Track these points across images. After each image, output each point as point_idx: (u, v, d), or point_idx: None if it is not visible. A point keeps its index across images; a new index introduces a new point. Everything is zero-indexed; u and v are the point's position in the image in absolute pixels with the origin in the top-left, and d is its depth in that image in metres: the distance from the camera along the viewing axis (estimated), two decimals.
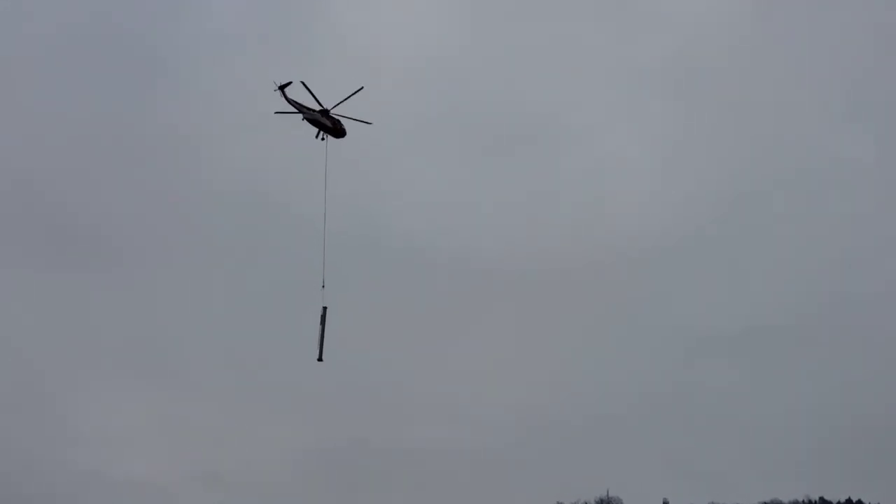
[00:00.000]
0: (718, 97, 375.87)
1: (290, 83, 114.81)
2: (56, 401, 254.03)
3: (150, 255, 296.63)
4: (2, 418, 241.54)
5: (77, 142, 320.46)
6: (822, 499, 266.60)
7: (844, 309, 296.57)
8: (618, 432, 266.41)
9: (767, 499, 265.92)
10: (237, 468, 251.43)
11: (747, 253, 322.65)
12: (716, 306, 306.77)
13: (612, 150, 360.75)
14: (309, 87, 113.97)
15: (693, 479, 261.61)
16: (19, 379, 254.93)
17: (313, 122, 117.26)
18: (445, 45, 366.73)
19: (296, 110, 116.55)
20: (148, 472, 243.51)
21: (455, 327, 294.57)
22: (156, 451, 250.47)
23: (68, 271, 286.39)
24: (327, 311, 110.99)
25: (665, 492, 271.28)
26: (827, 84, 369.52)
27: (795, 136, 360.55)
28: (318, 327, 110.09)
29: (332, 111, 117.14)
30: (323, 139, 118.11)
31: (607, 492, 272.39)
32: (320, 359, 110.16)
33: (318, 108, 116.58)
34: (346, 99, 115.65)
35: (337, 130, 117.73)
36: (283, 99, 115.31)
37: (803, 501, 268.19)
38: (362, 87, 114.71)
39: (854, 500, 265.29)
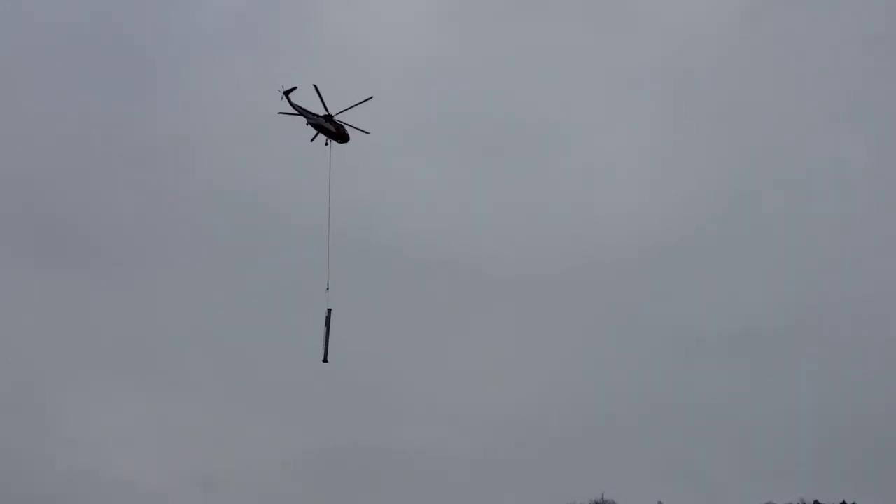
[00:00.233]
0: (717, 98, 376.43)
1: (294, 88, 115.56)
2: (53, 401, 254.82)
3: (149, 256, 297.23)
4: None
5: (77, 142, 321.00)
6: (816, 502, 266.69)
7: (843, 309, 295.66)
8: (616, 433, 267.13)
9: (763, 501, 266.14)
10: (235, 470, 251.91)
11: (746, 253, 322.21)
12: (715, 306, 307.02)
13: (611, 150, 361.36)
14: (320, 91, 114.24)
15: (689, 481, 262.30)
16: (18, 379, 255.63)
17: (317, 126, 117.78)
18: (444, 46, 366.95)
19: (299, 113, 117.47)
20: (145, 474, 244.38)
21: (454, 328, 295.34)
22: (153, 452, 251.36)
23: (67, 271, 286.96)
24: (331, 312, 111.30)
25: (660, 494, 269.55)
26: (824, 85, 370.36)
27: (793, 136, 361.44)
28: (324, 329, 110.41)
29: (335, 117, 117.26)
30: (326, 143, 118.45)
31: (602, 495, 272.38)
32: (325, 360, 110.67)
33: (322, 113, 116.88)
34: (352, 106, 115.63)
35: (341, 136, 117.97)
36: (288, 104, 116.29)
37: None
38: (371, 97, 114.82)
39: (850, 503, 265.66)
